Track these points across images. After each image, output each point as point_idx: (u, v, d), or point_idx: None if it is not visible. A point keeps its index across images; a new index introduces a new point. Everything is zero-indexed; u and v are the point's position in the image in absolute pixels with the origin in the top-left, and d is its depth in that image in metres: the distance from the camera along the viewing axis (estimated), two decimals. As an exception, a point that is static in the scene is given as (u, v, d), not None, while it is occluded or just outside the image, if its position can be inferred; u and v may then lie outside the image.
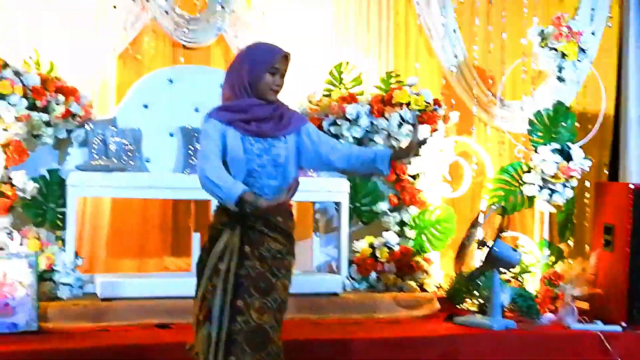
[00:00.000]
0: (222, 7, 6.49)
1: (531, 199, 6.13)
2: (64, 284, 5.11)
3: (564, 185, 6.00)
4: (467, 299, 5.71)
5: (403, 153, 3.22)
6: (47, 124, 5.46)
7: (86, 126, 5.76)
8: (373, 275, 5.89)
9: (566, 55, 6.05)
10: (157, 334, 4.73)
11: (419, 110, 6.00)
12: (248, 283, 3.01)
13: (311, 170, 3.34)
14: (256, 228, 3.06)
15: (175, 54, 6.60)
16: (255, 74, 3.09)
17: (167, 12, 6.42)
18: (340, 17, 7.01)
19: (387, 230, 6.02)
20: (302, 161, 3.25)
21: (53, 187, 5.44)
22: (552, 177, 5.97)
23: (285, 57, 3.15)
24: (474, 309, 5.66)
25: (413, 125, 3.30)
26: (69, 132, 5.70)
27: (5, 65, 5.23)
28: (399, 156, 3.24)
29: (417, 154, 3.24)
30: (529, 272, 5.81)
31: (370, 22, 7.09)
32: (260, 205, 2.90)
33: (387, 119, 6.06)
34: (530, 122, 6.13)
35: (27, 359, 4.15)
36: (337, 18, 6.99)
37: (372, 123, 6.14)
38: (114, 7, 6.24)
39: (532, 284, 5.91)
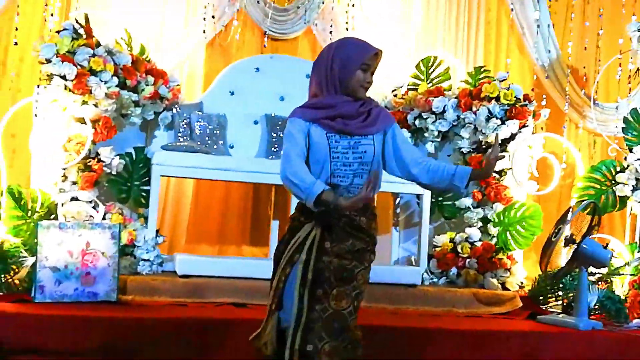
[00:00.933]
0: (312, -1, 6.51)
1: (623, 200, 5.86)
2: (144, 260, 5.16)
3: (660, 187, 5.73)
4: (551, 299, 5.49)
5: (483, 172, 3.13)
6: (136, 103, 5.56)
7: (173, 109, 5.83)
8: (453, 270, 5.75)
9: (666, 52, 5.81)
10: (233, 311, 4.70)
11: (509, 105, 5.84)
12: (328, 273, 2.96)
13: (392, 174, 3.20)
14: (339, 226, 3.00)
15: (263, 44, 6.64)
16: (347, 70, 3.00)
17: (257, 2, 6.49)
18: (431, 13, 6.94)
19: (469, 227, 5.86)
20: (384, 162, 3.15)
21: (138, 165, 5.53)
22: (647, 177, 5.72)
23: (377, 54, 3.05)
24: (558, 310, 5.43)
25: (495, 141, 3.08)
26: (157, 114, 5.79)
27: (98, 44, 5.33)
28: (479, 175, 3.14)
29: (492, 170, 3.14)
30: (619, 274, 5.54)
31: (460, 19, 7.01)
32: (340, 204, 2.86)
33: (474, 113, 5.92)
34: (626, 121, 5.88)
35: (107, 325, 4.15)
36: (427, 14, 6.93)
37: (458, 117, 6.02)
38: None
39: (620, 288, 5.64)
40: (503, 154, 3.06)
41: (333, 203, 2.86)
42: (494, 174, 5.87)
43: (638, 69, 6.20)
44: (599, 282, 5.50)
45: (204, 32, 6.37)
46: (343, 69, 3.00)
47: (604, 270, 5.46)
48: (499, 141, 2.95)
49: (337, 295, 2.92)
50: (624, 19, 6.59)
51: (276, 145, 5.97)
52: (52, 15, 5.80)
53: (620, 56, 6.39)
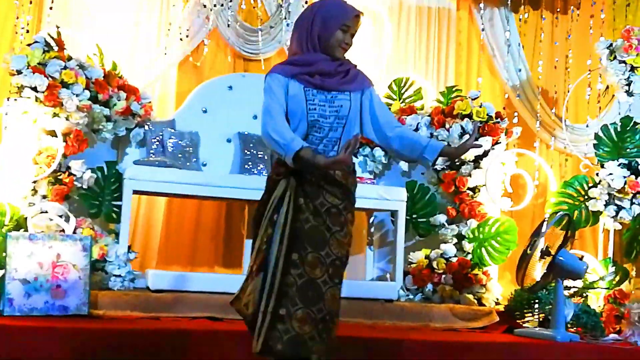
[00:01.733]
0: (285, 18, 6.53)
1: (596, 215, 5.90)
2: (116, 276, 5.05)
3: (632, 202, 5.76)
4: (527, 314, 5.47)
5: (453, 150, 3.17)
6: (108, 118, 5.49)
7: (145, 126, 5.77)
8: (429, 287, 5.72)
9: (636, 69, 5.89)
10: (209, 325, 4.60)
11: (481, 122, 5.89)
12: (302, 236, 2.93)
13: (366, 137, 3.20)
14: (313, 181, 2.99)
15: (235, 63, 6.64)
16: (327, 29, 3.04)
17: (229, 24, 6.48)
18: (402, 37, 7.02)
19: (444, 243, 5.85)
20: (361, 125, 3.19)
21: (110, 180, 5.44)
22: (619, 192, 5.75)
23: (357, 16, 3.09)
24: (535, 325, 5.41)
25: (473, 129, 3.14)
26: (128, 130, 5.72)
27: (70, 58, 5.28)
28: (450, 152, 3.16)
29: (463, 154, 3.21)
30: (594, 287, 5.55)
31: (430, 42, 7.10)
32: (318, 162, 2.87)
33: (447, 130, 5.95)
34: (597, 137, 5.94)
35: (77, 338, 4.02)
36: (398, 37, 7.00)
37: (431, 134, 6.04)
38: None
39: (595, 303, 5.64)
40: (480, 143, 3.05)
41: (311, 161, 2.86)
42: (468, 192, 5.89)
43: (607, 87, 6.30)
44: (575, 297, 5.50)
45: (176, 51, 6.35)
46: (323, 28, 3.04)
47: (580, 284, 5.47)
48: (477, 130, 2.94)
49: (311, 261, 2.90)
50: (592, 39, 6.69)
51: (249, 163, 5.92)
52: (22, 28, 5.72)
53: (589, 75, 6.49)
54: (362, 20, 3.12)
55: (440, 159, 3.19)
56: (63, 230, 4.91)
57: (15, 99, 5.06)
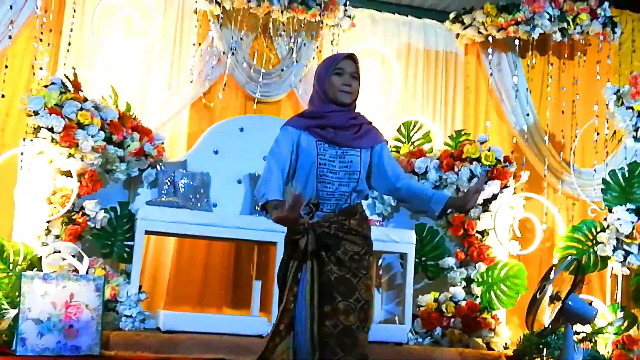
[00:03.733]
0: (296, 62, 6.62)
1: (604, 260, 5.92)
2: (127, 316, 5.07)
3: (640, 247, 5.80)
4: (536, 358, 5.46)
5: (459, 201, 3.14)
6: (121, 159, 5.55)
7: (157, 167, 5.82)
8: (438, 330, 5.72)
9: (643, 114, 5.97)
10: (219, 366, 4.61)
11: (489, 166, 5.94)
12: (330, 288, 2.99)
13: (374, 189, 3.26)
14: (331, 233, 3.04)
15: (246, 105, 6.72)
16: (324, 78, 3.14)
17: (241, 66, 6.57)
18: (409, 81, 7.12)
19: (453, 286, 5.87)
20: (370, 178, 3.22)
21: (122, 220, 5.49)
22: (628, 237, 5.78)
23: (349, 57, 3.17)
24: (544, 370, 5.41)
25: (481, 174, 3.14)
26: (141, 171, 5.78)
27: (85, 99, 5.36)
28: (455, 204, 3.13)
29: (473, 206, 3.13)
30: (603, 332, 5.55)
31: (438, 85, 7.20)
32: (272, 214, 2.90)
33: (456, 174, 6.00)
34: (605, 182, 5.99)
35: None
36: (406, 82, 7.10)
37: (440, 177, 6.10)
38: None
39: (604, 349, 5.64)
40: (484, 187, 3.04)
41: (269, 213, 2.93)
42: (477, 235, 5.92)
43: (615, 132, 6.36)
44: (584, 342, 5.50)
45: (188, 93, 6.44)
46: (320, 81, 3.15)
47: (588, 329, 5.47)
48: (484, 178, 2.97)
49: (344, 309, 2.95)
50: (599, 85, 6.78)
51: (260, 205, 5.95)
52: (40, 69, 5.82)
53: (596, 120, 6.55)
54: (365, 62, 3.23)
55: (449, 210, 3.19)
56: (76, 270, 4.94)
57: (32, 140, 5.12)
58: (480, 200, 5.93)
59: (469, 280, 5.89)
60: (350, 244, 3.04)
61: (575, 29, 6.72)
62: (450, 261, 5.95)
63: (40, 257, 4.96)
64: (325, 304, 2.96)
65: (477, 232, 5.95)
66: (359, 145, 3.12)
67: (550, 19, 6.64)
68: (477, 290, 5.83)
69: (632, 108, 6.00)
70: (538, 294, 5.17)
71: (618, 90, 6.11)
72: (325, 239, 3.02)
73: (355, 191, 3.12)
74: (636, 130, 6.03)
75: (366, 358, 2.97)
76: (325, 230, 3.03)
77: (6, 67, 5.73)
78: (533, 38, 6.77)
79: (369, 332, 3.03)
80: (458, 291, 5.81)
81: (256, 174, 6.07)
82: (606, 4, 6.75)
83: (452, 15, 7.00)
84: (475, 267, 5.89)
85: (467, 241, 5.96)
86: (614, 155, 6.49)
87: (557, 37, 6.77)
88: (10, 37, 5.72)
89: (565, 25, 6.68)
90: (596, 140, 6.68)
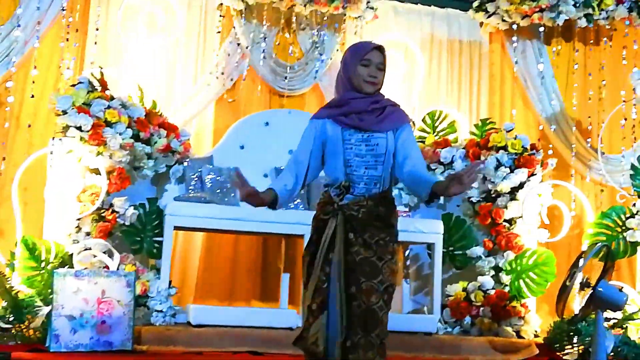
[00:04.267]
0: (320, 55, 6.63)
1: (634, 246, 5.87)
2: (158, 311, 5.13)
3: (670, 232, 5.75)
4: (567, 346, 5.44)
5: (440, 186, 2.96)
6: (149, 156, 5.61)
7: (184, 163, 5.87)
8: (467, 319, 5.72)
9: (670, 99, 5.91)
10: (249, 359, 4.65)
11: (516, 154, 5.92)
12: (356, 268, 3.05)
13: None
14: (359, 218, 3.09)
15: (271, 100, 6.74)
16: (349, 68, 3.18)
17: (265, 60, 6.59)
18: (434, 71, 7.09)
19: (481, 275, 5.86)
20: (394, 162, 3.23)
21: (151, 217, 5.54)
22: (657, 222, 5.74)
23: (377, 48, 3.20)
24: (574, 357, 5.38)
25: (477, 163, 3.04)
26: (168, 167, 5.83)
27: (112, 98, 5.42)
28: (437, 188, 2.98)
29: (458, 192, 2.94)
30: (634, 318, 5.51)
31: (463, 74, 7.16)
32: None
33: (482, 163, 5.98)
34: (633, 167, 5.94)
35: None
36: (430, 71, 7.07)
37: (466, 166, 6.07)
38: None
39: (636, 334, 5.60)
40: (477, 176, 2.87)
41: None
42: (505, 223, 5.90)
43: (642, 117, 6.31)
44: (615, 328, 5.47)
45: (213, 89, 6.47)
46: (347, 69, 3.19)
47: (619, 315, 5.43)
48: (477, 166, 2.92)
49: (366, 290, 3.01)
50: (625, 70, 6.71)
51: (286, 198, 5.99)
52: (67, 68, 5.89)
53: (624, 105, 6.49)
54: (389, 53, 3.21)
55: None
56: (107, 267, 5.01)
57: (60, 139, 5.19)
58: (507, 189, 5.89)
59: (497, 269, 5.87)
60: (376, 230, 3.09)
61: (600, 14, 6.65)
62: (478, 250, 5.94)
63: (72, 255, 5.03)
64: (351, 284, 3.03)
65: (505, 220, 5.93)
66: (383, 129, 3.15)
67: (575, 5, 6.57)
68: (505, 278, 5.82)
69: (659, 92, 5.96)
70: (568, 281, 5.13)
71: (645, 74, 6.06)
72: (353, 222, 3.09)
73: (387, 175, 3.17)
74: (664, 115, 5.98)
75: (385, 336, 3.04)
76: (353, 214, 3.09)
77: (35, 67, 5.80)
78: (558, 24, 6.72)
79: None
80: (486, 280, 5.80)
81: (282, 168, 6.05)
82: (632, -12, 6.68)
83: (475, 4, 6.96)
84: (503, 256, 5.87)
85: (495, 230, 5.94)
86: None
87: (583, 23, 6.71)
88: (37, 37, 5.80)
89: (590, 10, 6.61)
90: (623, 126, 6.62)
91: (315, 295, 3.08)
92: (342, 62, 3.24)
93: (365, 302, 2.99)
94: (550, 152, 6.56)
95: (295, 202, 5.98)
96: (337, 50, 6.75)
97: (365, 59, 3.16)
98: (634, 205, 5.89)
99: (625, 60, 6.84)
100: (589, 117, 6.93)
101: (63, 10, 5.94)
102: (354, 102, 3.16)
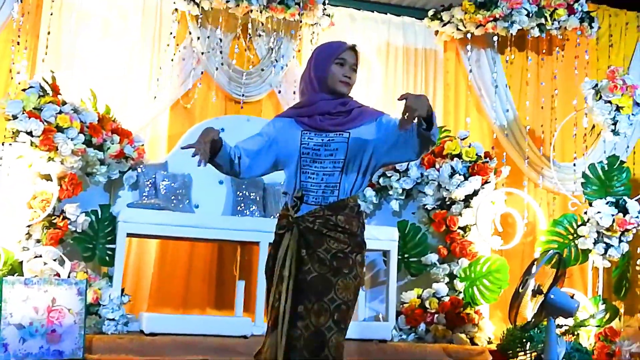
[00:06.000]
0: (276, 61, 6.61)
1: (585, 253, 5.97)
2: (110, 319, 5.05)
3: (620, 240, 5.85)
4: (520, 352, 5.49)
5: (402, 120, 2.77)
6: (101, 162, 5.54)
7: (138, 169, 5.81)
8: (422, 326, 5.74)
9: (621, 108, 6.01)
10: (202, 368, 4.61)
11: (470, 162, 5.98)
12: (306, 287, 2.86)
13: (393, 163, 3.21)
14: (315, 230, 2.89)
15: (227, 106, 6.70)
16: (323, 67, 2.99)
17: (221, 67, 6.55)
18: (389, 79, 7.12)
19: (436, 282, 5.90)
20: (387, 155, 2.97)
21: (104, 223, 5.47)
22: (608, 230, 5.84)
23: (352, 49, 3.03)
24: (527, 364, 5.44)
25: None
26: (122, 173, 5.76)
27: (64, 102, 5.34)
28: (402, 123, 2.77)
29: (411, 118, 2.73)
30: (585, 325, 5.59)
31: (418, 82, 7.20)
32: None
33: (437, 170, 6.03)
34: (585, 176, 6.04)
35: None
36: (386, 79, 7.10)
37: (421, 174, 6.12)
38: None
39: (587, 341, 5.69)
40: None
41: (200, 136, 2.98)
42: (459, 231, 5.95)
43: (593, 126, 6.40)
44: (566, 335, 5.54)
45: (168, 95, 6.41)
46: (320, 68, 3.00)
47: (571, 322, 5.51)
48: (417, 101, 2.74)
49: (317, 310, 2.82)
50: (577, 79, 6.83)
51: (242, 205, 5.96)
52: (18, 73, 5.78)
53: (575, 114, 6.59)
54: (360, 55, 3.05)
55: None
56: (58, 274, 4.92)
57: (10, 144, 5.09)
58: (461, 196, 5.95)
59: (451, 276, 5.92)
60: (334, 242, 2.89)
61: (553, 24, 6.76)
62: (432, 257, 5.98)
63: (22, 262, 4.94)
64: (299, 304, 2.85)
65: (459, 227, 5.99)
66: (346, 129, 2.95)
67: (528, 15, 6.67)
68: (460, 285, 5.87)
69: (610, 102, 6.06)
70: (520, 288, 5.19)
71: (596, 85, 6.16)
72: (307, 235, 2.90)
73: (349, 182, 2.95)
74: (614, 124, 6.08)
75: (338, 357, 2.84)
76: (308, 226, 2.90)
77: (-16, 71, 5.70)
78: (511, 34, 6.81)
79: (347, 331, 2.88)
80: (441, 287, 5.84)
81: (238, 174, 6.06)
82: (583, -1, 6.81)
83: (430, 13, 7.02)
84: (457, 263, 5.93)
85: (449, 237, 6.00)
86: (593, 149, 6.56)
87: (535, 32, 6.81)
88: (-13, 41, 5.70)
89: (543, 21, 6.71)
90: (575, 135, 6.72)
91: (270, 313, 2.93)
92: (312, 62, 3.04)
93: (313, 324, 2.80)
94: (503, 160, 6.64)
95: (251, 209, 5.95)
96: (294, 57, 6.75)
97: (341, 58, 2.99)
98: (585, 213, 5.98)
99: (577, 70, 6.96)
100: (542, 125, 7.03)
101: (14, 13, 5.84)
102: (322, 104, 2.99)
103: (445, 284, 5.88)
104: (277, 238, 3.01)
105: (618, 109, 6.04)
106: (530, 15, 6.70)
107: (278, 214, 3.08)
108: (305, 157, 2.96)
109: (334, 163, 2.94)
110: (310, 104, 3.01)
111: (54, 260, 5.01)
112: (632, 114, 6.03)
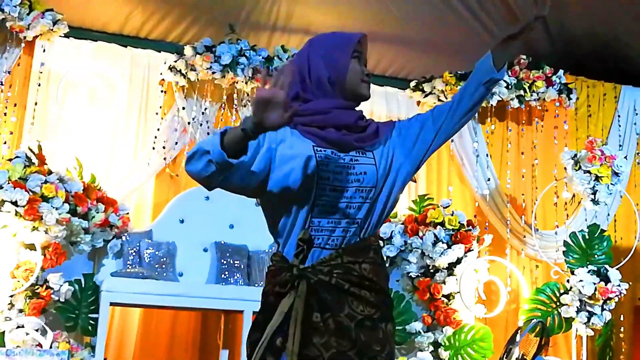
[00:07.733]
0: (261, 130, 6.68)
1: (569, 322, 5.99)
2: (91, 391, 5.00)
3: (602, 308, 5.88)
4: (505, 423, 5.46)
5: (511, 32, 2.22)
6: (86, 231, 5.53)
7: (122, 237, 5.81)
8: (407, 398, 5.71)
9: (600, 178, 6.11)
10: None
11: (454, 230, 6.03)
12: None
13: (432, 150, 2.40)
14: (332, 283, 2.08)
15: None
16: (336, 61, 2.22)
17: (207, 136, 6.62)
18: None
19: (420, 351, 5.88)
20: (411, 166, 2.29)
21: (87, 292, 5.44)
22: (590, 298, 5.87)
23: (365, 38, 2.31)
24: None
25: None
26: (106, 242, 5.75)
27: (50, 172, 5.37)
28: (508, 44, 2.23)
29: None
30: (570, 395, 5.59)
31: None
32: (248, 120, 1.97)
33: (421, 238, 6.07)
34: (566, 244, 6.10)
35: None
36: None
37: (405, 242, 6.16)
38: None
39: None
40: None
41: (243, 127, 1.99)
42: (443, 299, 5.97)
43: (574, 195, 6.50)
44: (550, 404, 5.53)
45: (153, 163, 6.47)
46: (332, 63, 2.23)
47: (555, 392, 5.50)
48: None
49: None
50: (557, 149, 6.95)
51: (226, 273, 5.96)
52: (4, 143, 5.82)
53: (556, 184, 6.69)
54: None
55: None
56: (40, 345, 4.87)
57: (-5, 214, 5.10)
58: (445, 264, 5.99)
59: (436, 345, 5.90)
60: (359, 303, 2.10)
61: (532, 95, 6.92)
62: (417, 326, 5.97)
63: (4, 332, 4.89)
64: None
65: (443, 295, 5.99)
66: (372, 146, 2.23)
67: (507, 87, 6.83)
68: (444, 354, 5.85)
69: (589, 172, 6.16)
70: (505, 357, 5.22)
71: (575, 155, 6.27)
72: (323, 293, 2.08)
73: (374, 218, 2.19)
74: (594, 194, 6.17)
75: None
76: (323, 279, 2.08)
77: (-30, 142, 5.74)
78: (492, 105, 6.95)
79: None
80: (426, 356, 5.82)
81: (222, 242, 6.08)
82: (561, 71, 6.97)
83: (412, 84, 7.17)
84: (442, 331, 5.92)
85: (434, 305, 6.00)
86: (575, 217, 6.64)
87: (515, 103, 6.96)
88: (-26, 111, 5.75)
89: (522, 92, 6.88)
90: (556, 203, 6.82)
91: None
92: (318, 56, 2.24)
93: None
94: (486, 228, 6.70)
95: (236, 277, 5.96)
96: (278, 126, 6.82)
97: (357, 51, 2.26)
98: (568, 281, 6.03)
99: (557, 140, 7.10)
100: (523, 194, 7.13)
101: (1, 84, 5.91)
102: (337, 113, 2.21)
103: (430, 352, 5.86)
104: (270, 299, 2.15)
105: (597, 178, 6.14)
106: (510, 87, 6.86)
107: (268, 270, 2.25)
108: (324, 183, 2.14)
109: (360, 192, 2.16)
110: (321, 111, 2.21)
111: (36, 330, 4.97)
112: (611, 184, 6.14)
